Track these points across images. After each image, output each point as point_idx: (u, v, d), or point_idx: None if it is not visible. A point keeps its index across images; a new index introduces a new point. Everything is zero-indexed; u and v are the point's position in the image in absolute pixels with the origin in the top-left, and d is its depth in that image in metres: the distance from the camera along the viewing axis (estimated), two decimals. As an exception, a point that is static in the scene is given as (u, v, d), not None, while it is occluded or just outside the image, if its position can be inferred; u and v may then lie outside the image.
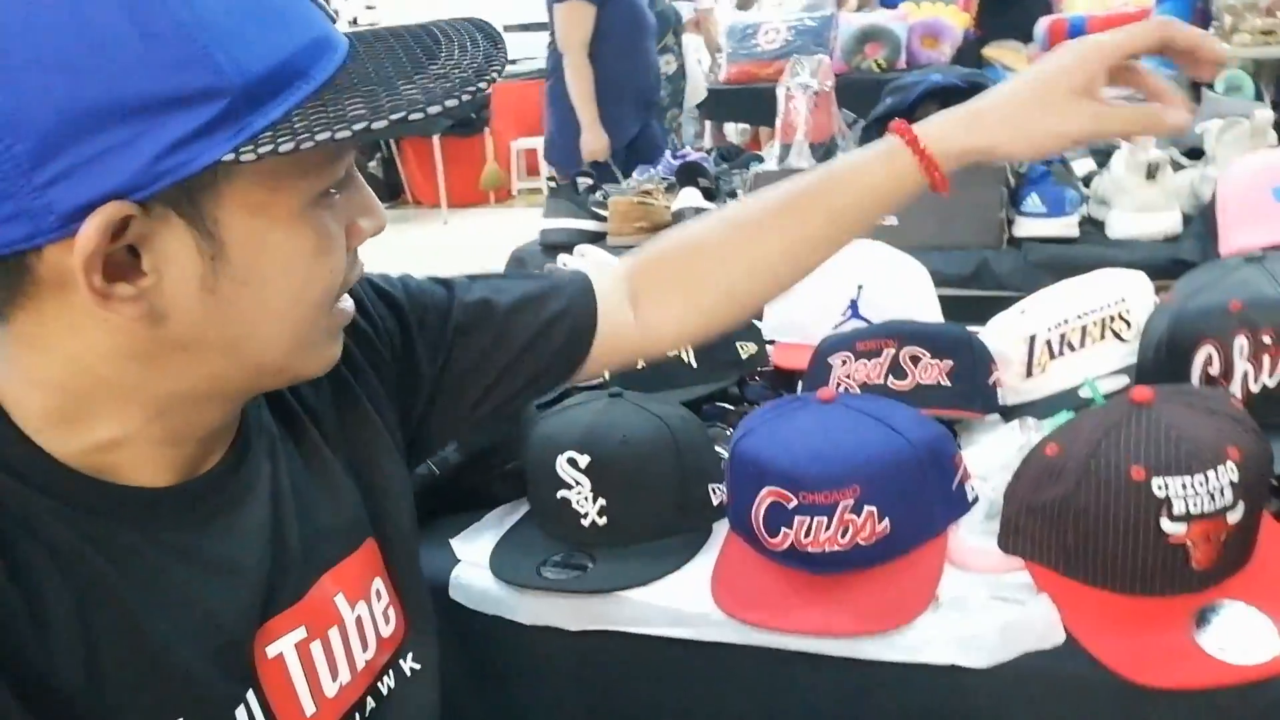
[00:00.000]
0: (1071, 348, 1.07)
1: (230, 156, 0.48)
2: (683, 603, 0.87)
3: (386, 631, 0.71)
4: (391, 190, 7.69)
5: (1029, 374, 1.09)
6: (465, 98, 0.52)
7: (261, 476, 0.65)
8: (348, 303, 0.61)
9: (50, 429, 0.55)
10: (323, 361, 0.62)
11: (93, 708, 0.53)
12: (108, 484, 0.56)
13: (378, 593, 0.71)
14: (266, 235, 0.53)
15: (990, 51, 3.96)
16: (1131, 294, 1.08)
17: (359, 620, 0.68)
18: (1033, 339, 1.09)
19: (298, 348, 0.58)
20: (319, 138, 0.48)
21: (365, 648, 0.69)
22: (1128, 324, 1.06)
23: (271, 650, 0.62)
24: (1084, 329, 1.07)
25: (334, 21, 0.56)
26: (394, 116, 0.50)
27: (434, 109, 0.51)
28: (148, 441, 0.57)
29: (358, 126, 0.49)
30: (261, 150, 0.48)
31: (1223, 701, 0.71)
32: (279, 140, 0.48)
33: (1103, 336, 1.06)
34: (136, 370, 0.55)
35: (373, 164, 7.75)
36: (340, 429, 0.72)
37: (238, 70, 0.47)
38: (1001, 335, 1.14)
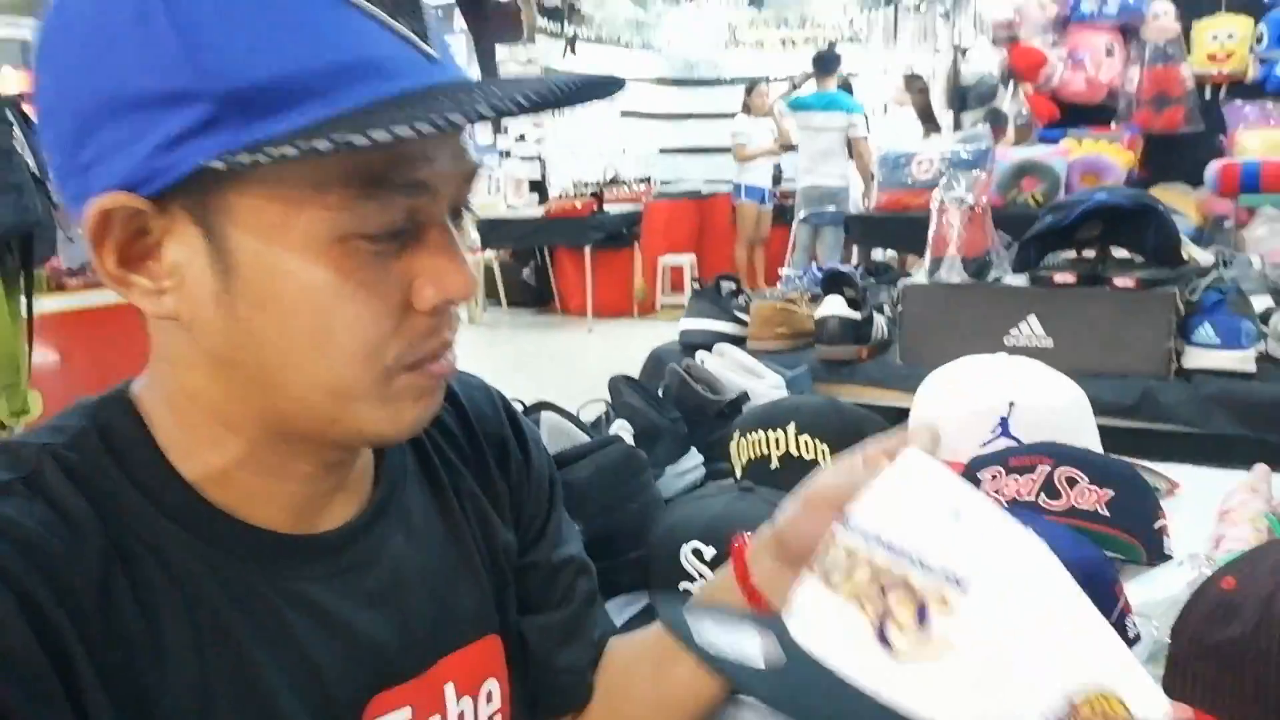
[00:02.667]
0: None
1: (218, 163, 0.47)
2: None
3: None
4: (541, 298, 7.97)
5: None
6: (487, 109, 0.47)
7: (394, 543, 0.64)
8: (433, 370, 0.56)
9: (176, 448, 0.56)
10: (391, 425, 0.56)
11: None
12: (235, 520, 0.57)
13: (489, 695, 0.69)
14: (279, 261, 0.51)
15: (1157, 194, 3.84)
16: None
17: (460, 716, 0.66)
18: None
19: (346, 397, 0.54)
20: (288, 151, 0.46)
21: None
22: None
23: None
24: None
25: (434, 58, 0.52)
26: (377, 134, 0.45)
27: (430, 124, 0.46)
28: (255, 475, 0.57)
29: (336, 137, 0.45)
30: (244, 160, 0.46)
31: None
32: (262, 152, 0.46)
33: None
34: (208, 385, 0.56)
35: (526, 271, 8.07)
36: (485, 519, 0.72)
37: (220, 75, 0.46)
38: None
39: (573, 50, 8.86)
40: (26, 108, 2.50)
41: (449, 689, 0.65)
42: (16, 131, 2.37)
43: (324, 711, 0.58)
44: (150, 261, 0.52)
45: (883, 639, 0.58)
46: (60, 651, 0.48)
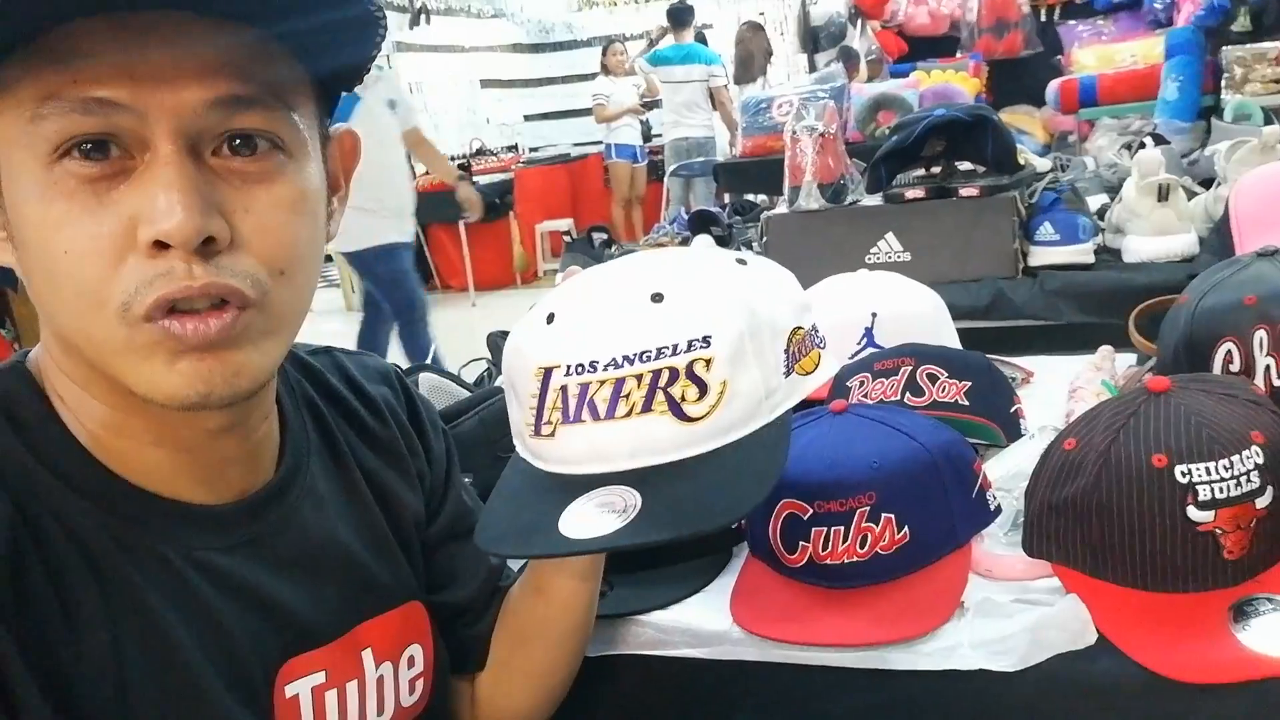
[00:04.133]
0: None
1: None
2: (701, 622, 0.84)
3: (408, 701, 0.69)
4: (420, 277, 7.81)
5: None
6: None
7: (302, 514, 0.65)
8: (173, 330, 0.51)
9: (67, 415, 0.56)
10: (154, 387, 0.52)
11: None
12: (139, 489, 0.57)
13: (410, 659, 0.70)
14: (16, 191, 0.50)
15: (1004, 116, 4.01)
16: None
17: (380, 680, 0.67)
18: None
19: (99, 347, 0.52)
20: None
21: (381, 711, 0.67)
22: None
23: (289, 690, 0.61)
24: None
25: None
26: None
27: None
28: (133, 442, 0.57)
29: None
30: None
31: (1276, 697, 0.68)
32: None
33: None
34: (52, 344, 0.56)
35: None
36: (391, 498, 0.72)
37: None
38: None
39: (426, 21, 8.65)
40: None
41: (367, 654, 0.66)
42: None
43: (237, 676, 0.58)
44: None
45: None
46: None
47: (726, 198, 4.12)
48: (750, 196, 2.82)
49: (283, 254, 0.54)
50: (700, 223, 1.75)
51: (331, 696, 0.63)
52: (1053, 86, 3.66)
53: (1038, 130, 4.19)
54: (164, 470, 0.58)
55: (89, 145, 0.49)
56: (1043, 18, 4.40)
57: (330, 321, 7.07)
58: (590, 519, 0.63)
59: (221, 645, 0.57)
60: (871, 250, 1.65)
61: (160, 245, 0.49)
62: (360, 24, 0.54)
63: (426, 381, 1.20)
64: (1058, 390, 1.20)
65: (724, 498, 0.63)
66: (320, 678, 0.63)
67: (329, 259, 7.98)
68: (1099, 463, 0.75)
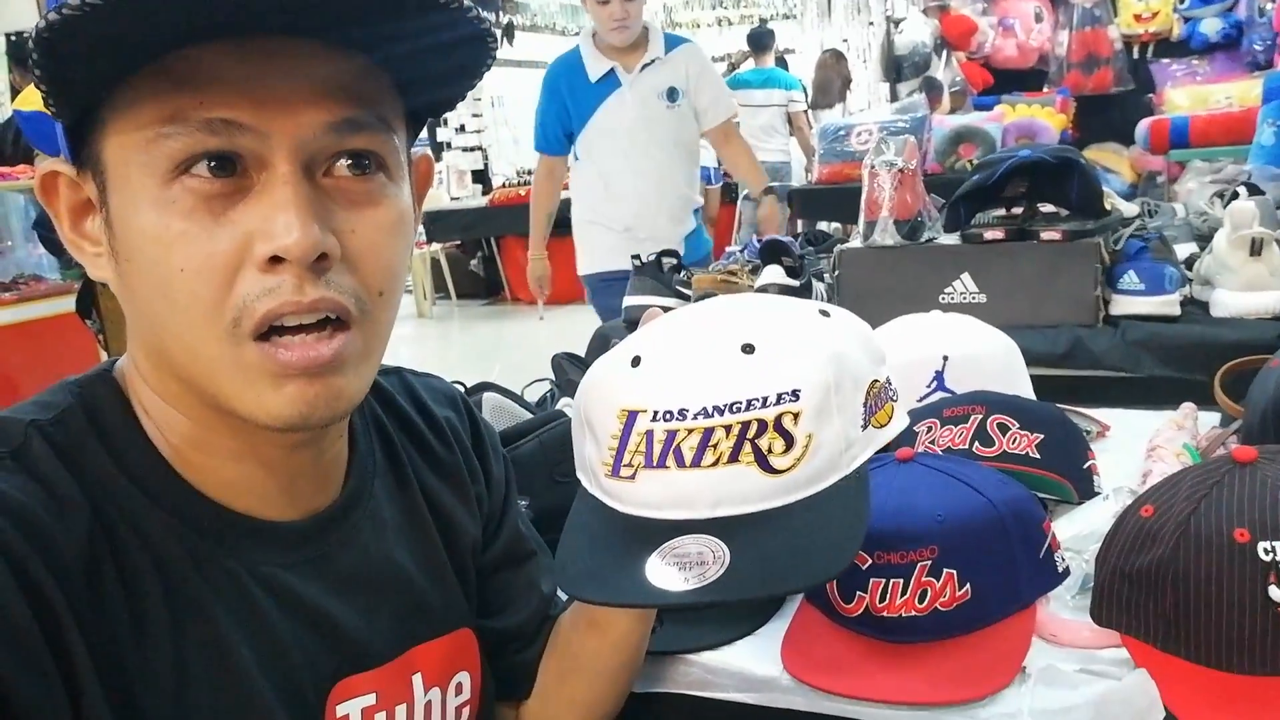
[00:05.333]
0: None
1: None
2: (751, 666, 0.83)
3: None
4: (491, 288, 7.92)
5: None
6: None
7: (364, 535, 0.65)
8: (281, 358, 0.52)
9: (150, 427, 0.57)
10: (258, 407, 0.53)
11: None
12: (212, 502, 0.57)
13: (459, 686, 0.70)
14: (128, 206, 0.51)
15: (1090, 154, 3.92)
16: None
17: (428, 706, 0.67)
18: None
19: (202, 360, 0.52)
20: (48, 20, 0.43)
21: None
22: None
23: (340, 710, 0.61)
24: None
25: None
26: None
27: None
28: (211, 457, 0.57)
29: None
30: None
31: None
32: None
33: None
34: (143, 357, 0.57)
35: (474, 263, 8.01)
36: (450, 522, 0.73)
37: None
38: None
39: (509, 40, 8.79)
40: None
41: (417, 679, 0.66)
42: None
43: (291, 692, 0.58)
44: (88, 224, 0.54)
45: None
46: (53, 624, 0.48)
47: (799, 225, 4.10)
48: (823, 226, 2.78)
49: (383, 275, 0.55)
50: (771, 252, 1.73)
51: (381, 718, 0.63)
52: (1143, 125, 3.56)
53: (1125, 169, 4.09)
54: (240, 485, 0.58)
55: (214, 163, 0.50)
56: (1135, 55, 4.30)
57: (403, 326, 7.20)
58: (676, 570, 0.63)
59: (278, 661, 0.58)
60: (946, 290, 1.62)
61: (275, 261, 0.50)
62: (467, 44, 0.54)
63: (489, 401, 1.21)
64: (1134, 446, 1.16)
65: (814, 556, 0.63)
66: (371, 699, 0.63)
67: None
68: (1177, 533, 0.71)
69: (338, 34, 0.51)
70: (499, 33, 8.47)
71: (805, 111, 6.39)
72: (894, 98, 4.76)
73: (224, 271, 0.51)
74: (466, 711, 0.70)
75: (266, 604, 0.58)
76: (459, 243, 7.92)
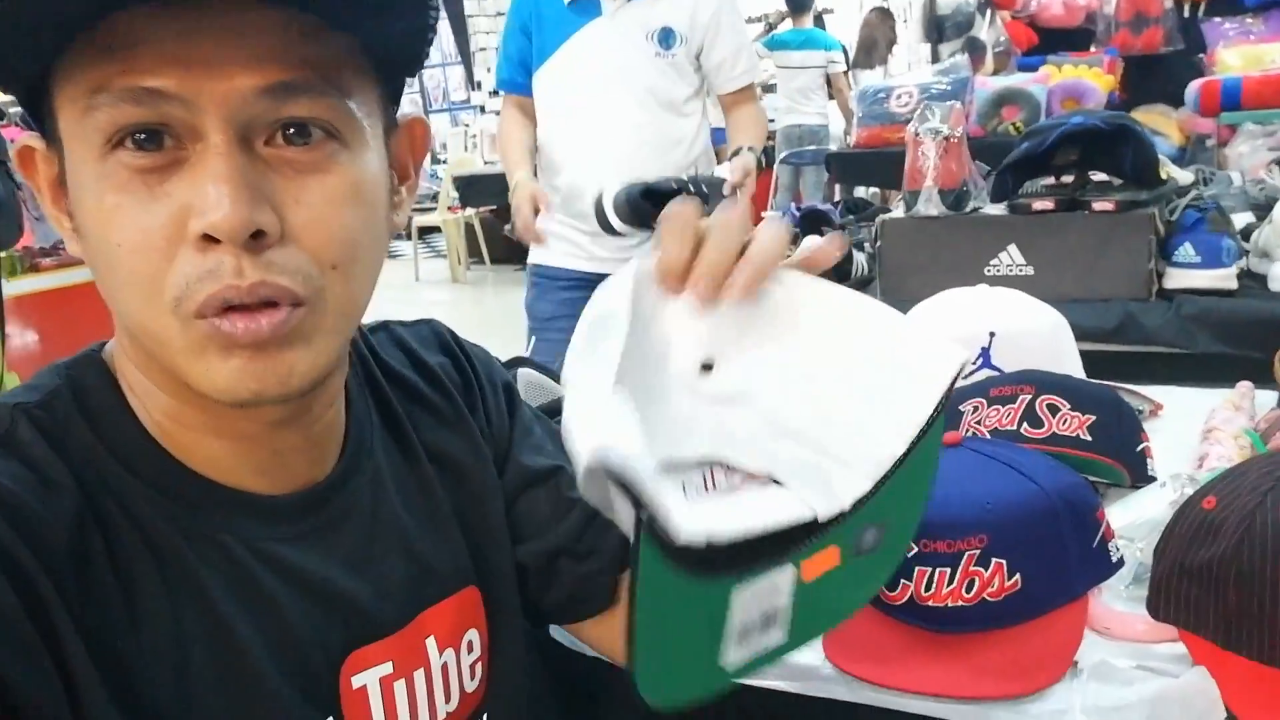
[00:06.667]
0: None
1: None
2: (791, 654, 0.81)
3: (471, 687, 0.68)
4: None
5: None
6: None
7: (365, 500, 0.64)
8: (223, 327, 0.50)
9: (137, 406, 0.56)
10: (208, 381, 0.51)
11: (179, 714, 0.52)
12: (205, 479, 0.56)
13: (470, 644, 0.68)
14: (77, 181, 0.50)
15: (1138, 116, 3.81)
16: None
17: (444, 668, 0.66)
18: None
19: (156, 339, 0.51)
20: None
21: (448, 699, 0.66)
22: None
23: (357, 681, 0.60)
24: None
25: None
26: None
27: None
28: (198, 433, 0.56)
29: None
30: None
31: None
32: None
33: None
34: (120, 335, 0.56)
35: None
36: (456, 469, 0.70)
37: None
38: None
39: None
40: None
41: (430, 642, 0.65)
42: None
43: (300, 669, 0.57)
44: (64, 199, 0.53)
45: None
46: (41, 609, 0.47)
47: (837, 190, 4.03)
48: (861, 192, 2.72)
49: (335, 247, 0.52)
50: (811, 222, 1.69)
51: (400, 686, 0.62)
52: (1193, 87, 3.44)
53: (1173, 132, 3.97)
54: (226, 460, 0.57)
55: (142, 135, 0.48)
56: (1185, 13, 4.16)
57: (437, 291, 7.22)
58: None
59: (283, 636, 0.57)
60: (992, 262, 1.57)
61: (209, 239, 0.48)
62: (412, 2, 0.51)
63: (524, 377, 1.19)
64: (1189, 427, 1.12)
65: None
66: (388, 668, 0.62)
67: (435, 230, 8.15)
68: (1241, 527, 0.68)
69: None
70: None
71: (845, 73, 6.27)
72: (935, 59, 4.66)
73: (161, 247, 0.49)
74: (479, 668, 0.69)
75: (267, 579, 0.57)
76: (493, 208, 7.92)
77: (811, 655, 0.80)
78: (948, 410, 1.00)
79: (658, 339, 0.54)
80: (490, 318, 5.94)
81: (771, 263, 0.53)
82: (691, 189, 1.77)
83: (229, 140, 0.48)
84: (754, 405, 0.55)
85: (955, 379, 0.54)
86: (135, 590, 0.52)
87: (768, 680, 0.81)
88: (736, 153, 2.01)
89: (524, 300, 2.20)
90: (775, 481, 0.53)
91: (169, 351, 0.51)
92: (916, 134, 1.54)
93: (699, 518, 0.50)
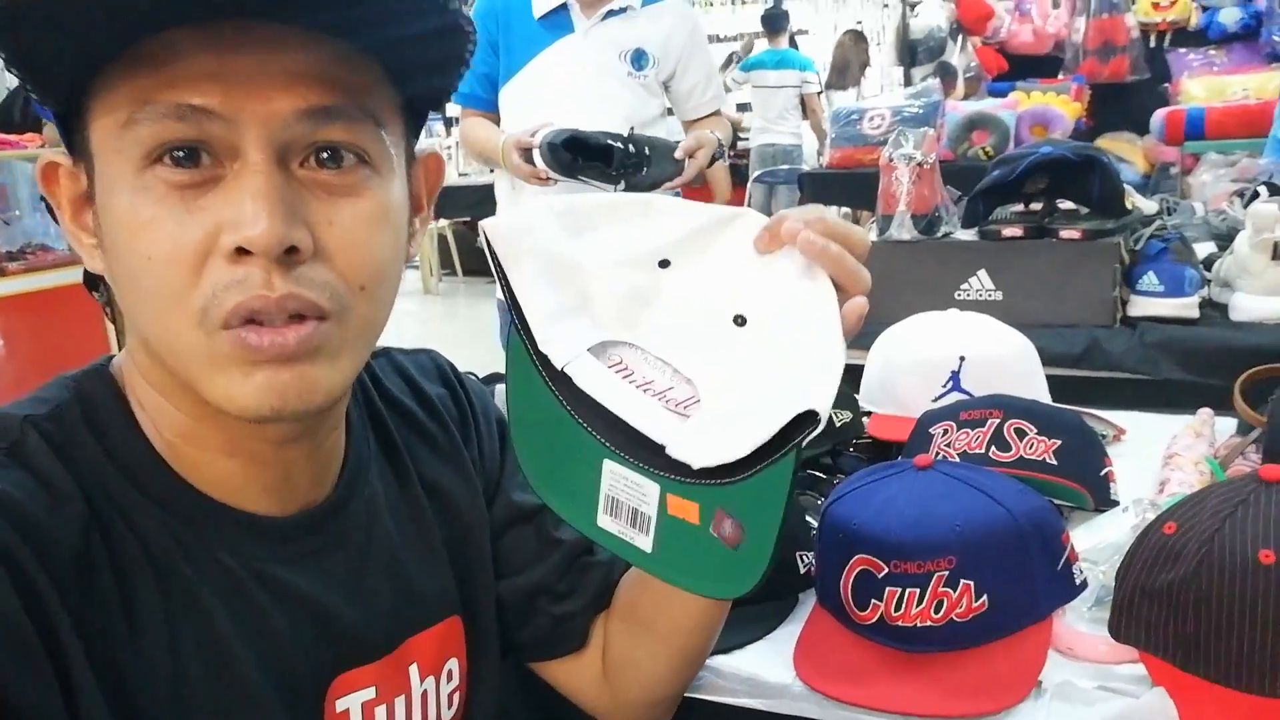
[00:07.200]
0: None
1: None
2: (762, 672, 0.82)
3: (447, 715, 0.69)
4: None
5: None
6: None
7: (360, 525, 0.64)
8: (249, 341, 0.50)
9: (146, 422, 0.57)
10: (227, 397, 0.52)
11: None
12: (214, 502, 0.57)
13: (449, 673, 0.69)
14: (108, 196, 0.51)
15: (1104, 143, 3.89)
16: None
17: (425, 695, 0.66)
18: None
19: (179, 353, 0.51)
20: None
21: None
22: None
23: (340, 704, 0.61)
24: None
25: None
26: None
27: None
28: (205, 451, 0.57)
29: None
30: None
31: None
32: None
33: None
34: (138, 350, 0.57)
35: (481, 239, 7.97)
36: (449, 501, 0.72)
37: None
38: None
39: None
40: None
41: (413, 669, 0.66)
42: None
43: (289, 688, 0.58)
44: (87, 216, 0.53)
45: None
46: (44, 617, 0.48)
47: (810, 210, 4.06)
48: (833, 212, 2.73)
49: (364, 269, 0.53)
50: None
51: (381, 712, 0.63)
52: (1158, 116, 3.53)
53: (1138, 159, 4.06)
54: (234, 480, 0.58)
55: (181, 153, 0.49)
56: (1152, 43, 4.26)
57: (408, 302, 7.19)
58: None
59: (276, 656, 0.58)
60: (962, 286, 1.60)
61: (242, 252, 0.49)
62: (449, 35, 0.53)
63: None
64: (1151, 452, 1.15)
65: None
66: (371, 693, 0.62)
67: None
68: (1201, 552, 0.71)
69: (314, 18, 0.49)
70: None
71: (819, 93, 6.34)
72: (908, 82, 4.73)
73: (192, 260, 0.49)
74: (457, 697, 0.70)
75: (262, 599, 0.57)
76: (467, 219, 7.90)
77: (782, 673, 0.81)
78: (919, 436, 1.01)
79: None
80: (464, 330, 5.93)
81: (858, 248, 0.58)
82: (630, 146, 1.79)
83: (268, 159, 0.49)
84: (688, 316, 0.60)
85: (798, 425, 0.52)
86: (135, 602, 0.53)
87: (738, 698, 0.82)
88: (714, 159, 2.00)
89: (496, 303, 2.18)
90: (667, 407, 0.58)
91: (190, 366, 0.51)
92: (890, 159, 1.57)
93: (565, 349, 0.60)
